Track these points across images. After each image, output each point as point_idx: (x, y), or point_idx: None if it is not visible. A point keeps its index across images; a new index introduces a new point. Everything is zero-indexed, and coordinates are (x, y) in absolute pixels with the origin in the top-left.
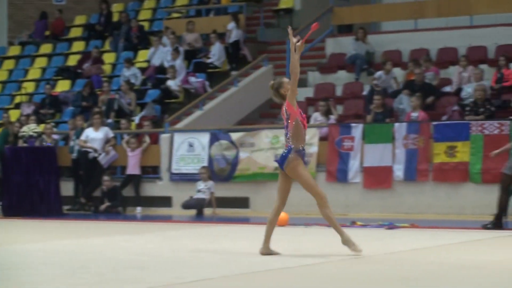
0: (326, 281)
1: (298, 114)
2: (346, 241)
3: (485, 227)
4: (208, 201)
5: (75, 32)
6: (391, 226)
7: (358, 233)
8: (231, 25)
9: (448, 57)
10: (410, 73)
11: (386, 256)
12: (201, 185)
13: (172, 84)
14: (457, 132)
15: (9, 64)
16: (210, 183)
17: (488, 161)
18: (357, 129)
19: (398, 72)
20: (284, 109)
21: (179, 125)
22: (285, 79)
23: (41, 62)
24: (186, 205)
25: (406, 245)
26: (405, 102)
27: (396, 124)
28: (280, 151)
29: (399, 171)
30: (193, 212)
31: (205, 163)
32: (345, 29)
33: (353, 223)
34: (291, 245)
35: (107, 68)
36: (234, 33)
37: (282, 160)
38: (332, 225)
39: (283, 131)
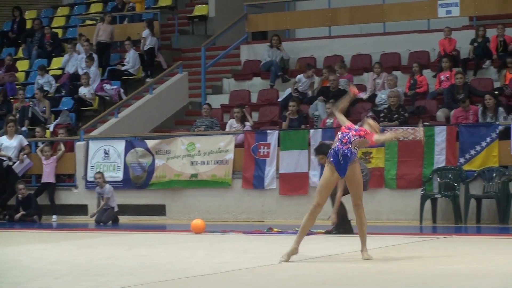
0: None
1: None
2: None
3: (327, 232)
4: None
5: None
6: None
7: (275, 240)
8: (146, 32)
9: (362, 64)
10: (324, 80)
11: (303, 263)
12: (98, 190)
13: (85, 91)
14: None
15: None
16: (107, 187)
17: (402, 167)
18: (273, 136)
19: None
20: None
21: (94, 133)
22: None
23: None
24: (98, 221)
25: (323, 251)
26: (320, 109)
27: (312, 131)
28: (196, 158)
29: (315, 177)
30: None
31: (121, 171)
32: (259, 36)
33: (270, 230)
34: (209, 252)
35: (20, 75)
36: (149, 40)
37: (347, 159)
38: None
39: (198, 138)
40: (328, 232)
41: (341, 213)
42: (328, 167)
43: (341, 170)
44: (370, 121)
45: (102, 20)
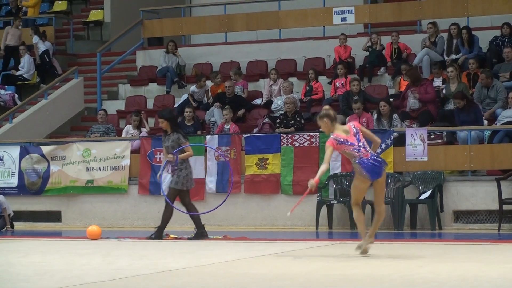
0: None
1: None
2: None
3: (149, 238)
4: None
5: None
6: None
7: (171, 246)
8: (35, 38)
9: (257, 70)
10: (219, 85)
11: (199, 269)
12: None
13: None
14: (268, 144)
15: None
16: (1, 198)
17: (298, 173)
18: None
19: (208, 84)
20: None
21: None
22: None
23: None
24: None
25: (220, 257)
26: (217, 115)
27: (208, 137)
28: (92, 164)
29: (211, 183)
30: None
31: (16, 177)
32: (155, 42)
33: (166, 236)
34: (105, 258)
35: None
36: (40, 46)
37: (381, 166)
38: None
39: (94, 144)
40: (190, 239)
41: (197, 219)
42: (359, 180)
43: (377, 173)
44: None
45: (12, 23)
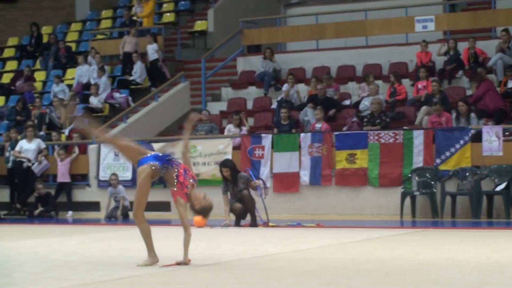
0: (241, 278)
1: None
2: None
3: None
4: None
5: (8, 53)
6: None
7: (270, 233)
8: (152, 45)
9: (346, 74)
10: (313, 89)
11: (294, 254)
12: (112, 191)
13: (94, 100)
14: (356, 141)
15: None
16: (120, 188)
17: (384, 167)
18: (267, 139)
19: (302, 87)
20: None
21: None
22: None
23: None
24: (110, 216)
25: (313, 243)
26: (310, 115)
27: (302, 134)
28: (198, 159)
29: (305, 177)
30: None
31: (130, 171)
32: (254, 49)
33: (265, 224)
34: (210, 244)
35: (38, 85)
36: (154, 53)
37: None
38: None
39: (199, 141)
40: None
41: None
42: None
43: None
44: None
45: (128, 33)
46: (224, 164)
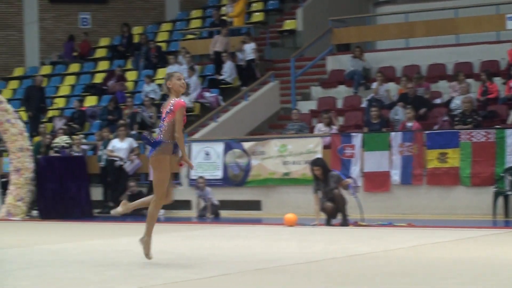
0: (332, 277)
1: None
2: None
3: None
4: (209, 207)
5: (100, 53)
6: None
7: (360, 233)
8: (250, 45)
9: (437, 72)
10: (404, 87)
11: (385, 253)
12: (199, 193)
13: (186, 100)
14: (448, 140)
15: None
16: (207, 190)
17: (476, 166)
18: (357, 138)
19: (392, 86)
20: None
21: (196, 136)
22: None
23: (70, 80)
24: (201, 215)
25: (404, 243)
26: (400, 113)
27: (392, 133)
28: (288, 158)
29: (396, 176)
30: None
31: (221, 170)
32: (343, 48)
33: (355, 223)
34: (301, 243)
35: (129, 84)
36: (251, 53)
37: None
38: None
39: (289, 140)
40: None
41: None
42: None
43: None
44: None
45: (218, 32)
46: (315, 163)
